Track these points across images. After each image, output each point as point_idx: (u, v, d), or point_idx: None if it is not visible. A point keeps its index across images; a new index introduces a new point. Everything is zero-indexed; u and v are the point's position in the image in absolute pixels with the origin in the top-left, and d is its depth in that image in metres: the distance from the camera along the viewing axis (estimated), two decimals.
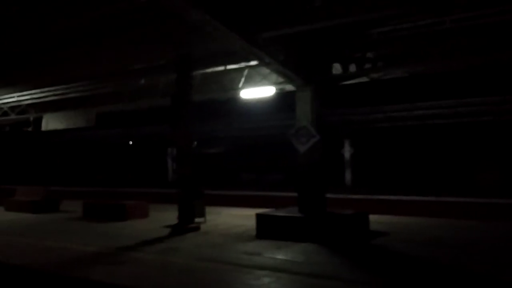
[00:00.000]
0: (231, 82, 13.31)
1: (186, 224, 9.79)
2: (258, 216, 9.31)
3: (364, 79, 11.91)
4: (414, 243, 8.39)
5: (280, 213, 9.37)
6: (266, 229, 9.11)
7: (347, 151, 25.01)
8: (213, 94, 13.74)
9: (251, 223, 11.21)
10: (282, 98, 15.47)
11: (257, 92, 12.80)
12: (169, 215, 13.13)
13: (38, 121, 16.21)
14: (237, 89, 13.12)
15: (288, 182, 27.16)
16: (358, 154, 25.07)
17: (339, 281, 5.88)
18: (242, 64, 10.96)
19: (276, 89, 12.60)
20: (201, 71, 11.39)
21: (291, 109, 20.71)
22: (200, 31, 9.57)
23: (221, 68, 11.44)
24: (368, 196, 17.35)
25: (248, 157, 29.25)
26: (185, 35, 9.87)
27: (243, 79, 12.80)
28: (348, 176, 24.92)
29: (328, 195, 17.00)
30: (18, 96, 15.31)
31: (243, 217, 12.59)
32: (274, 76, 12.40)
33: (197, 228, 9.92)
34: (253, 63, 10.70)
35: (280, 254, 7.54)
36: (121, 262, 7.18)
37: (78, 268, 6.94)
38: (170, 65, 10.84)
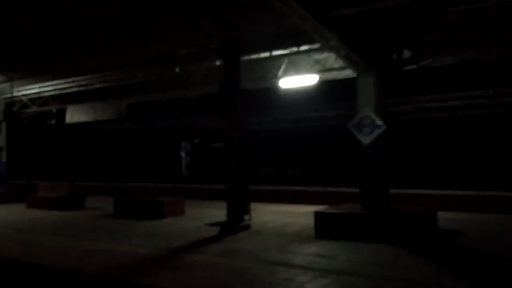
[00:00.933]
0: (267, 71, 12.58)
1: (236, 222, 9.05)
2: (317, 214, 8.57)
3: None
4: (493, 243, 7.67)
5: (341, 210, 8.64)
6: (326, 228, 8.38)
7: None
8: (246, 84, 12.95)
9: (299, 220, 10.54)
10: (319, 89, 14.74)
11: (299, 80, 12.05)
12: (205, 212, 12.45)
13: (61, 113, 15.43)
14: (275, 79, 12.38)
15: (310, 177, 26.44)
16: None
17: None
18: (294, 49, 10.13)
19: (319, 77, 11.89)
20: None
21: (328, 100, 19.76)
22: (249, 13, 8.85)
23: (265, 54, 10.64)
24: (399, 191, 16.57)
25: (266, 151, 28.44)
26: (233, 17, 9.10)
27: (283, 67, 12.04)
28: None
29: (354, 190, 16.24)
30: (39, 87, 14.49)
31: (284, 214, 11.89)
32: (318, 64, 11.69)
33: (247, 227, 9.19)
34: (304, 48, 9.95)
35: (356, 257, 6.80)
36: (184, 267, 6.43)
37: (138, 273, 6.20)
38: (213, 51, 10.08)
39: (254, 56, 10.58)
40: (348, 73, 12.13)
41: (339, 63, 11.38)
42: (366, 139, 8.50)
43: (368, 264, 6.37)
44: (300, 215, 11.60)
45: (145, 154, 33.97)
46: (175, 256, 7.22)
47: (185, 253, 7.36)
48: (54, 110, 15.40)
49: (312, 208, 12.81)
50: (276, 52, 10.51)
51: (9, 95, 14.20)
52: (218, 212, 12.28)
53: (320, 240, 8.15)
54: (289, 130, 24.15)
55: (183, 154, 34.32)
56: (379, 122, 8.40)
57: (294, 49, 9.98)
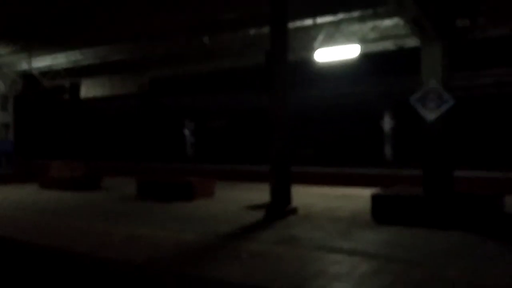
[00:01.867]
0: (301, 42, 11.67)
1: (282, 206, 8.28)
2: (375, 197, 7.81)
3: None
4: None
5: (401, 193, 7.89)
6: (386, 213, 7.63)
7: (387, 123, 23.39)
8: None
9: (344, 203, 9.82)
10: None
11: (338, 52, 11.17)
12: (235, 194, 11.72)
13: (74, 88, 14.38)
14: (310, 50, 11.50)
15: (319, 157, 25.64)
16: (399, 127, 23.41)
17: None
18: (340, 16, 9.21)
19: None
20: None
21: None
22: None
23: (308, 22, 9.71)
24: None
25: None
26: None
27: (320, 37, 11.13)
28: (388, 150, 23.42)
29: (368, 171, 15.43)
30: (52, 59, 13.42)
31: (322, 196, 11.14)
32: (356, 35, 10.81)
33: (294, 211, 8.43)
34: (356, 14, 9.05)
35: (434, 245, 6.04)
36: (246, 256, 5.66)
37: (196, 263, 5.42)
38: (251, 18, 9.14)
39: (297, 24, 9.63)
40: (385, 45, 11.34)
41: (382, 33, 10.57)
42: (430, 115, 7.70)
43: (452, 254, 5.62)
44: (339, 197, 10.89)
45: (146, 132, 32.93)
46: (228, 243, 6.44)
47: (237, 240, 6.59)
48: (67, 85, 14.38)
49: (345, 191, 12.20)
50: (321, 20, 9.57)
51: (26, 68, 13.07)
52: (248, 194, 11.63)
53: (380, 225, 7.41)
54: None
55: (187, 133, 33.35)
56: (446, 96, 7.60)
57: (342, 15, 9.04)
